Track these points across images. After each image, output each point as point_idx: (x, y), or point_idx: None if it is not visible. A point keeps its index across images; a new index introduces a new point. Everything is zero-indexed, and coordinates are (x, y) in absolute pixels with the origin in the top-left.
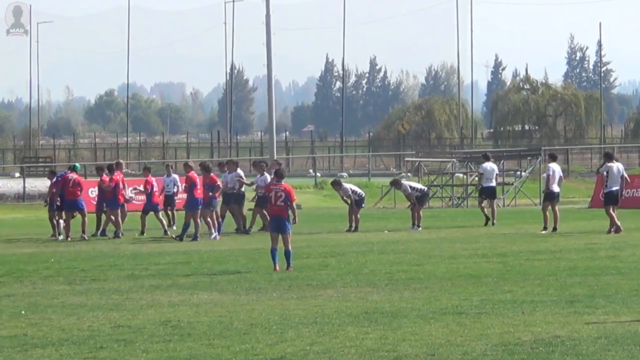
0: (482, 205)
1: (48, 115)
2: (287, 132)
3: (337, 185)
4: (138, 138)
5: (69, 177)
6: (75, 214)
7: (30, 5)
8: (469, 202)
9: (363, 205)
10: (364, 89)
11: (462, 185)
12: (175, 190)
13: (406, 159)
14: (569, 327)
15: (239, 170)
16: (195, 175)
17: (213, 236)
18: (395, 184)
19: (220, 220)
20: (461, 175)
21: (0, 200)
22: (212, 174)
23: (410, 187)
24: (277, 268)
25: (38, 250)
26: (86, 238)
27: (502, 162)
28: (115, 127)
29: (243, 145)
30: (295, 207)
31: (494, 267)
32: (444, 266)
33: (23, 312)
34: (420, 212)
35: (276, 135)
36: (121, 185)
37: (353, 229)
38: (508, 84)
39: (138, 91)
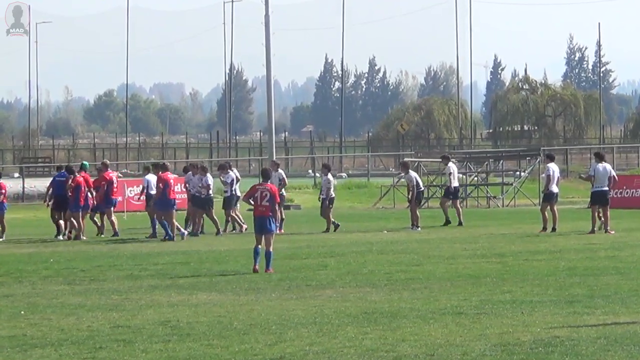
0: (447, 205)
1: (47, 116)
2: (287, 133)
3: (404, 167)
4: (137, 138)
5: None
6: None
7: (30, 6)
8: (468, 202)
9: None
10: (363, 89)
11: (462, 186)
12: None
13: (405, 159)
14: (568, 327)
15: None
16: (169, 175)
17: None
18: (404, 167)
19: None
20: (460, 175)
21: None
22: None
23: (416, 179)
24: (257, 268)
25: (37, 251)
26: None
27: (501, 162)
28: (114, 128)
29: (242, 146)
30: (277, 208)
31: (493, 267)
32: (443, 266)
33: (22, 312)
34: (417, 212)
35: (275, 135)
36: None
37: (334, 229)
38: (507, 84)
39: (137, 91)
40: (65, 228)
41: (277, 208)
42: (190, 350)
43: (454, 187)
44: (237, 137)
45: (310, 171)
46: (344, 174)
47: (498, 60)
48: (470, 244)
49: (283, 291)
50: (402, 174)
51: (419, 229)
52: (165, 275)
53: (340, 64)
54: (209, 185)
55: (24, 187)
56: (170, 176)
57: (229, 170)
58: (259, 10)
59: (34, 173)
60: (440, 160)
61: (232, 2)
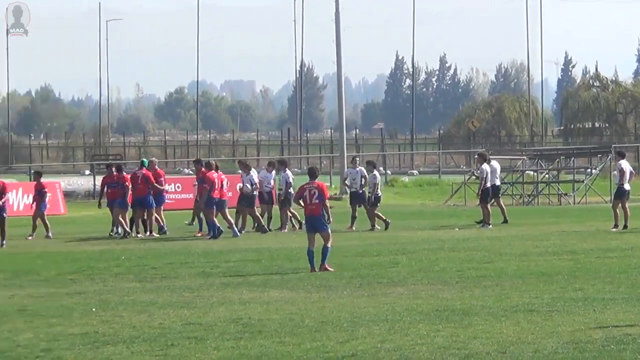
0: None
1: (118, 113)
2: (357, 130)
3: (481, 158)
4: (208, 135)
5: (138, 174)
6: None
7: (100, 3)
8: (540, 200)
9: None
10: (434, 87)
11: (533, 183)
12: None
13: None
14: None
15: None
16: (214, 175)
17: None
18: (481, 158)
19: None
20: (531, 172)
21: (71, 197)
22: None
23: (487, 174)
24: (315, 269)
25: (109, 248)
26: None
27: (572, 159)
28: (185, 125)
29: (313, 143)
30: (328, 205)
31: (565, 264)
32: (515, 264)
33: (94, 309)
34: (488, 208)
35: (346, 132)
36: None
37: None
38: (578, 81)
39: (208, 89)
40: (132, 227)
41: (327, 204)
42: (262, 347)
43: (493, 186)
44: (308, 135)
45: (381, 168)
46: (415, 171)
47: (569, 57)
48: (541, 241)
49: (354, 289)
50: (478, 165)
51: (490, 226)
52: (236, 272)
53: (411, 61)
54: (253, 182)
55: (94, 185)
56: (215, 175)
57: (251, 170)
58: (329, 7)
59: (104, 170)
60: (477, 158)
61: None
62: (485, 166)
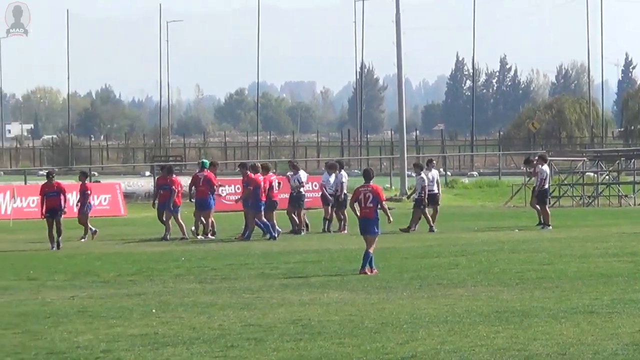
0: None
1: (178, 114)
2: (418, 131)
3: (541, 160)
4: (268, 137)
5: (199, 176)
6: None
7: (161, 5)
8: (600, 201)
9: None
10: (494, 88)
11: (593, 184)
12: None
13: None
14: None
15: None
16: (260, 177)
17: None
18: (541, 159)
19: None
20: (592, 174)
21: (131, 199)
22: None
23: (541, 176)
24: (367, 271)
25: (169, 249)
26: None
27: (632, 160)
28: (245, 126)
29: (373, 144)
30: (386, 206)
31: (625, 266)
32: (575, 265)
33: (154, 310)
34: (547, 210)
35: (406, 134)
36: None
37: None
38: (639, 82)
39: (268, 90)
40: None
41: (385, 206)
42: (322, 348)
43: (546, 189)
44: (368, 136)
45: (441, 169)
46: (475, 173)
47: (629, 59)
48: (601, 242)
49: (414, 290)
50: (539, 166)
51: (550, 227)
52: (296, 273)
53: (471, 62)
54: (301, 182)
55: (155, 186)
56: (262, 177)
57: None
58: (389, 9)
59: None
60: (536, 160)
61: (363, 0)
62: (545, 167)
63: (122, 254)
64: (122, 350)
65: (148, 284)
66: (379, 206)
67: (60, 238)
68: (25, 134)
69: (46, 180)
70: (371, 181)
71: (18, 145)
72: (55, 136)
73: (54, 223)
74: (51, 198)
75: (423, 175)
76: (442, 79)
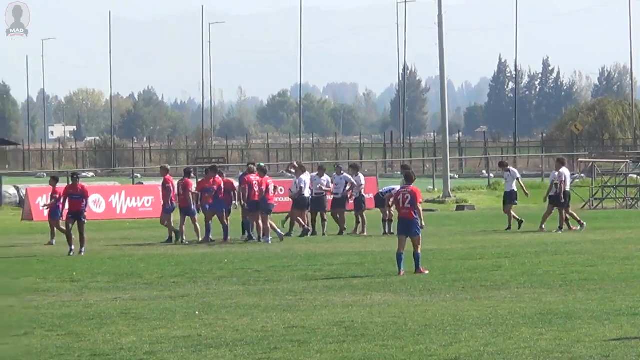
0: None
1: (221, 116)
2: (460, 133)
3: (560, 164)
4: (311, 139)
5: (252, 178)
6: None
7: (203, 6)
8: None
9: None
10: (537, 90)
11: (636, 186)
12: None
13: (579, 159)
14: None
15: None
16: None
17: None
18: (559, 163)
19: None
20: (635, 175)
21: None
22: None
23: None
24: (402, 273)
25: (212, 251)
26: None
27: None
28: (288, 128)
29: (416, 146)
30: (421, 209)
31: None
32: (618, 267)
33: (197, 312)
34: (565, 212)
35: (449, 135)
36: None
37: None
38: None
39: (311, 92)
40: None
41: (420, 209)
42: (365, 350)
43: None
44: (411, 138)
45: (484, 171)
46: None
47: None
48: None
49: (457, 292)
50: (559, 169)
51: (561, 231)
52: (339, 275)
53: (514, 64)
54: (300, 185)
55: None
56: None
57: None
58: (432, 11)
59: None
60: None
61: (406, 2)
62: (564, 170)
63: (165, 255)
64: (165, 352)
65: (191, 285)
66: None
67: (83, 248)
68: (68, 135)
69: (71, 182)
70: (412, 183)
71: (61, 147)
72: (98, 138)
73: (76, 226)
74: (74, 201)
75: (361, 175)
76: (484, 81)
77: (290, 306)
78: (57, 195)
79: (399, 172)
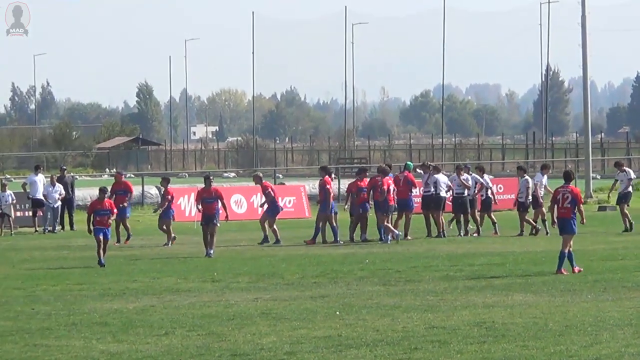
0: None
1: (363, 116)
2: (603, 134)
3: (619, 165)
4: (453, 139)
5: (400, 177)
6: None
7: (346, 7)
8: None
9: None
10: None
11: None
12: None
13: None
14: None
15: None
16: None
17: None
18: (619, 165)
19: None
20: None
21: (315, 201)
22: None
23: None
24: (563, 271)
25: (353, 251)
26: (409, 238)
27: None
28: (430, 128)
29: (558, 147)
30: (582, 208)
31: None
32: None
33: (337, 312)
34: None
35: (591, 136)
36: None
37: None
38: None
39: (453, 92)
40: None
41: (582, 208)
42: (506, 351)
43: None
44: (553, 138)
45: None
46: None
47: None
48: None
49: (598, 292)
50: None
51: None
52: (480, 276)
53: None
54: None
55: (339, 188)
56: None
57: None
58: (575, 11)
59: (349, 173)
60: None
61: (549, 2)
62: (628, 171)
63: (306, 256)
64: (306, 352)
65: (332, 286)
66: (577, 207)
67: (212, 250)
68: (210, 136)
69: (204, 185)
70: (571, 183)
71: (203, 148)
72: (240, 138)
73: (209, 229)
74: (208, 204)
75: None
76: (627, 81)
77: (431, 306)
78: (170, 197)
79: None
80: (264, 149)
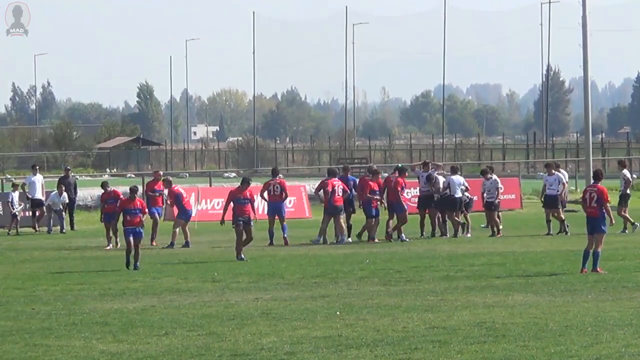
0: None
1: (363, 117)
2: (603, 134)
3: (622, 166)
4: (454, 139)
5: (391, 179)
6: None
7: (346, 7)
8: None
9: None
10: None
11: None
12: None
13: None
14: None
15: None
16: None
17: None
18: (621, 166)
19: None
20: None
21: (316, 201)
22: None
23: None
24: (584, 271)
25: (353, 251)
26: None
27: None
28: (431, 129)
29: (559, 147)
30: (608, 207)
31: None
32: None
33: (338, 312)
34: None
35: (592, 136)
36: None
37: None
38: None
39: (454, 92)
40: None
41: (608, 207)
42: (506, 351)
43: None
44: (554, 138)
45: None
46: None
47: None
48: None
49: (599, 293)
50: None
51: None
52: (481, 276)
53: None
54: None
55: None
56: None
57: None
58: (576, 11)
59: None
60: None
61: (550, 2)
62: (626, 172)
63: (307, 256)
64: (306, 352)
65: (332, 286)
66: (602, 207)
67: (245, 247)
68: (211, 136)
69: (239, 186)
70: (599, 182)
71: (203, 147)
72: (240, 138)
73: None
74: (240, 206)
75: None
76: (628, 82)
77: (432, 307)
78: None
79: (541, 173)
80: (264, 149)
